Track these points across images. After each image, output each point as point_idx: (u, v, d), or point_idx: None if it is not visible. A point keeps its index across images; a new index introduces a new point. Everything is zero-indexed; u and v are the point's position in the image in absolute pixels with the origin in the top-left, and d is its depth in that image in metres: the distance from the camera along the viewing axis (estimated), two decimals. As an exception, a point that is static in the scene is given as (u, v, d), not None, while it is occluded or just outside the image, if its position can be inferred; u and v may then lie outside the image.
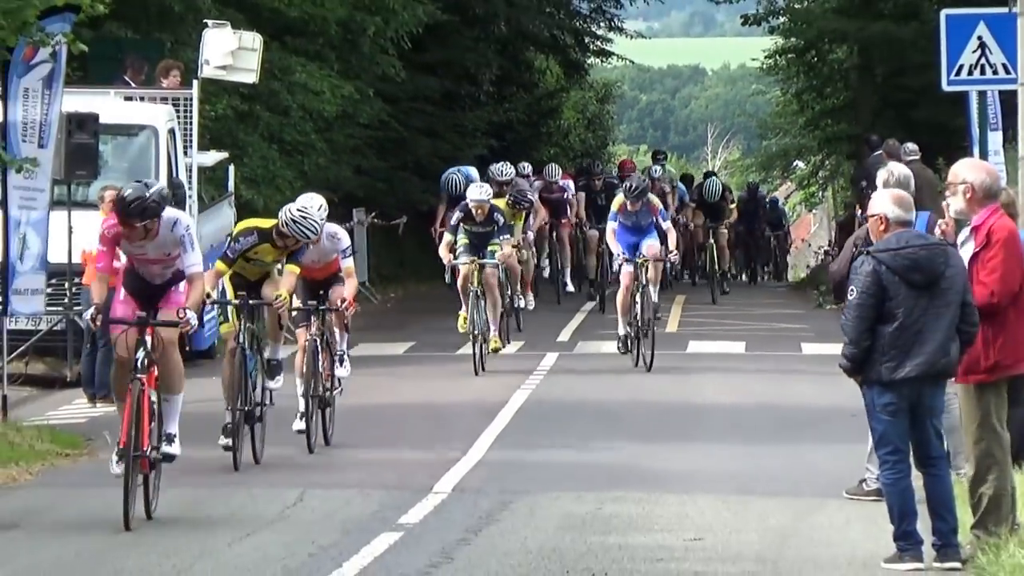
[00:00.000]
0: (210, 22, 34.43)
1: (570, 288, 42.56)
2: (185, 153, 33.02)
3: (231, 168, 36.11)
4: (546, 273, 41.90)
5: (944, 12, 30.35)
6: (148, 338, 15.18)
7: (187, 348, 27.85)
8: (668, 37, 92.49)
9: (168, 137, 32.11)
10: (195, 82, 33.32)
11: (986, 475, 15.03)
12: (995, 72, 28.79)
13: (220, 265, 19.12)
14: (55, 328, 29.86)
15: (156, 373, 15.34)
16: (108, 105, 31.34)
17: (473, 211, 28.89)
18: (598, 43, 64.37)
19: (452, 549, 16.35)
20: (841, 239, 50.02)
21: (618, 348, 29.05)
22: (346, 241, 21.94)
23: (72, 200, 29.61)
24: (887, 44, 51.33)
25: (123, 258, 15.56)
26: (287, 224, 18.81)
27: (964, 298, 14.72)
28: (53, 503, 18.80)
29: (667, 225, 30.19)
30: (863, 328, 14.77)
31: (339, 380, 21.59)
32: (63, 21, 27.53)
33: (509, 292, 31.85)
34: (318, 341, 20.45)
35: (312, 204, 19.58)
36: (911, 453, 14.82)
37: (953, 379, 15.01)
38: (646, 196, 29.34)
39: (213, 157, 35.01)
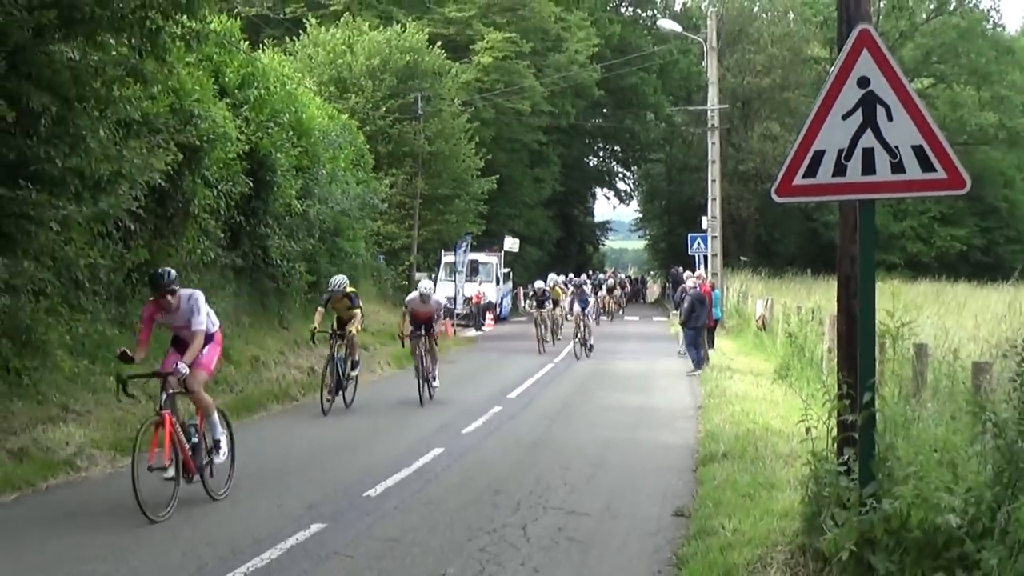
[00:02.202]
0: (507, 237, 47.40)
1: None
2: (501, 267, 44.90)
3: (511, 272, 48.54)
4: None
5: (689, 234, 41.80)
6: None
7: (497, 316, 41.85)
8: (617, 240, 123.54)
9: (497, 264, 44.20)
10: (503, 251, 45.63)
11: (701, 352, 23.20)
12: (703, 250, 39.05)
13: (320, 308, 17.29)
14: (466, 312, 39.34)
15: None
16: (480, 256, 43.32)
17: (538, 291, 30.95)
18: (602, 240, 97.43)
19: (558, 375, 23.20)
20: (660, 293, 76.53)
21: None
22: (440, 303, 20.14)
23: (467, 281, 39.79)
24: (677, 244, 62.11)
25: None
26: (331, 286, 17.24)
27: (695, 304, 22.83)
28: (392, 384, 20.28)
29: (592, 300, 31.80)
30: (688, 312, 23.06)
31: (436, 376, 18.59)
32: (469, 234, 41.55)
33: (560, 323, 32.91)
34: (424, 349, 18.22)
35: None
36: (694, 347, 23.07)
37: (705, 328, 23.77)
38: (583, 287, 32.32)
39: (508, 270, 47.43)
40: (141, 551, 8.42)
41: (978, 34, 69.32)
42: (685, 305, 23.19)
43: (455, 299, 36.88)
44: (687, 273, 27.91)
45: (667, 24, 46.82)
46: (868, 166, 6.81)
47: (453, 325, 34.98)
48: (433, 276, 37.26)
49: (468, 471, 11.94)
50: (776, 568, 7.52)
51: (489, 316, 40.57)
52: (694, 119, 53.89)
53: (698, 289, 24.09)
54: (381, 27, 41.49)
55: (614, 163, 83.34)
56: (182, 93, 16.26)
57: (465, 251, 39.07)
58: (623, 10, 72.12)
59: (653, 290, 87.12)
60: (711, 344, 25.72)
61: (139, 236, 15.73)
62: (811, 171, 6.95)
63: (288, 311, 22.28)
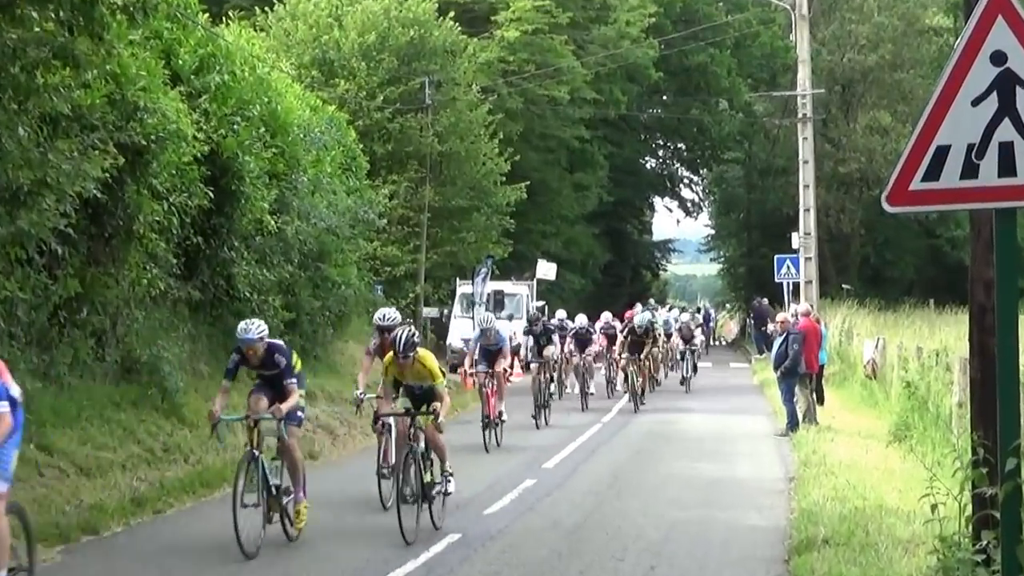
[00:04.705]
0: (540, 260, 47.45)
1: None
2: (533, 300, 44.29)
3: (546, 306, 44.85)
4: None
5: (776, 256, 43.61)
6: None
7: (527, 362, 37.57)
8: (683, 264, 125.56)
9: (527, 296, 43.55)
10: (535, 279, 46.07)
11: (802, 405, 23.47)
12: (794, 275, 41.14)
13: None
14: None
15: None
16: (507, 286, 43.12)
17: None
18: (664, 265, 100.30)
19: (619, 429, 25.02)
20: (740, 332, 78.97)
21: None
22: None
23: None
24: (759, 269, 64.89)
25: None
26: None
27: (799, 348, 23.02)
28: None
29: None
30: (782, 357, 23.21)
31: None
32: (491, 257, 41.04)
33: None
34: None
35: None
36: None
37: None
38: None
39: (540, 303, 45.46)
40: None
41: None
42: (795, 347, 23.00)
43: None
44: (792, 308, 27.71)
45: (744, -14, 46.89)
46: (1007, 165, 6.74)
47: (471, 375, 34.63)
48: (445, 311, 37.06)
49: (491, 565, 11.82)
50: None
51: (516, 363, 39.81)
52: (780, 108, 53.96)
53: (789, 326, 23.94)
54: (378, -6, 42.01)
55: (678, 165, 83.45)
56: (124, 80, 16.33)
57: (485, 279, 38.74)
58: (687, -32, 72.44)
59: (729, 327, 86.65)
60: (820, 398, 25.57)
61: (69, 263, 15.72)
62: (933, 173, 6.91)
63: (260, 357, 22.24)
